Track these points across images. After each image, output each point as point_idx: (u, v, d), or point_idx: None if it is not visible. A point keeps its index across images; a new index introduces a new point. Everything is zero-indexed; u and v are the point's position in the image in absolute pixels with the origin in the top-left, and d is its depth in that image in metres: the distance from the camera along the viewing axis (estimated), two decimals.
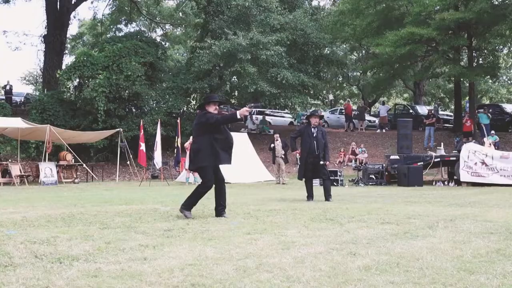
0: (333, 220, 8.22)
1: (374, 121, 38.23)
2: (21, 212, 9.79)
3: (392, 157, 21.72)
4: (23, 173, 22.95)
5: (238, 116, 8.87)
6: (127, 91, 29.06)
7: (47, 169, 22.38)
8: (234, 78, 32.40)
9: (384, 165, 21.66)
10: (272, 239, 6.27)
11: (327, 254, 5.38)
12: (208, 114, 8.81)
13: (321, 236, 6.51)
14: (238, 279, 4.35)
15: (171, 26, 50.97)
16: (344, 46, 41.95)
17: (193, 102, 34.89)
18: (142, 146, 24.25)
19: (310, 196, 12.66)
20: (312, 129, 12.73)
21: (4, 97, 39.78)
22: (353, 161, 27.04)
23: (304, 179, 12.98)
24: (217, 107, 9.13)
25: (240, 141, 25.79)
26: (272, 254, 5.33)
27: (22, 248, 5.73)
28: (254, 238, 6.32)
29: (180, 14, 47.02)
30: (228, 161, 8.97)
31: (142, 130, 25.09)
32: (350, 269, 4.67)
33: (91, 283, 4.23)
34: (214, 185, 8.85)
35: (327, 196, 12.49)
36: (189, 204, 8.77)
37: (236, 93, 37.36)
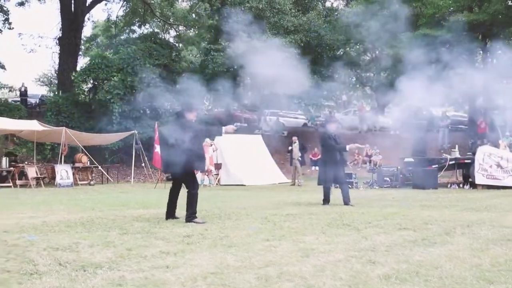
0: (350, 225, 8.27)
1: (388, 123, 38.05)
2: (41, 216, 9.92)
3: (406, 159, 21.67)
4: (39, 175, 23.11)
5: (224, 132, 9.63)
6: (141, 93, 29.16)
7: (63, 171, 22.52)
8: (248, 80, 32.44)
9: (398, 167, 21.60)
10: (291, 246, 6.33)
11: (347, 262, 5.43)
12: (189, 123, 9.14)
13: (339, 243, 6.56)
14: None
15: (185, 28, 51.05)
16: (358, 47, 41.89)
17: (207, 104, 34.99)
18: (157, 148, 24.29)
19: (326, 200, 12.65)
20: (332, 134, 12.73)
21: (19, 99, 40.05)
22: (368, 163, 26.99)
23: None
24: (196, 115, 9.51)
25: (255, 143, 25.89)
26: (292, 262, 5.39)
27: (46, 255, 5.82)
28: (273, 245, 6.38)
29: (194, 15, 47.09)
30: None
31: (157, 132, 25.17)
32: (370, 278, 4.72)
33: None
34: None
35: (346, 201, 12.43)
36: (194, 212, 9.00)
37: (250, 95, 37.38)
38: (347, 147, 12.66)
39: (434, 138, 30.60)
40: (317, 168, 29.09)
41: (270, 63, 12.87)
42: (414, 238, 6.99)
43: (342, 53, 35.29)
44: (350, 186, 19.75)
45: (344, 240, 6.82)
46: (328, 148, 12.62)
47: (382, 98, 48.89)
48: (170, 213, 9.32)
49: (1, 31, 36.45)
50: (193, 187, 9.08)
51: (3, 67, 37.97)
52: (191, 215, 8.88)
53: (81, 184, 23.37)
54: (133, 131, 26.33)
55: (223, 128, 9.49)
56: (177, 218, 9.18)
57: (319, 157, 29.86)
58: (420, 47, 25.95)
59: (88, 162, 24.64)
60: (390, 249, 6.15)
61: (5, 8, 36.44)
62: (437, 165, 20.51)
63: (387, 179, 21.01)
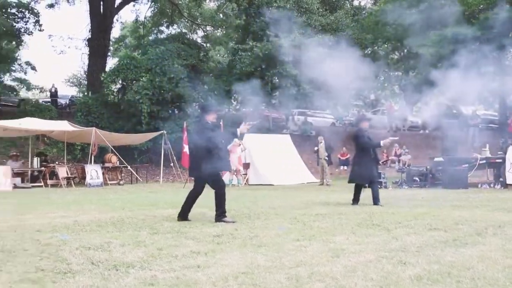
0: (380, 225, 8.23)
1: (417, 122, 37.76)
2: (72, 216, 10.06)
3: (436, 159, 21.46)
4: (69, 175, 23.42)
5: (238, 133, 9.62)
6: (170, 93, 29.35)
7: (93, 171, 22.78)
8: (276, 79, 32.45)
9: (428, 167, 21.39)
10: (321, 246, 6.32)
11: (377, 262, 5.41)
12: (207, 124, 9.23)
13: (370, 243, 6.53)
14: None
15: (212, 28, 51.24)
16: (386, 45, 41.64)
17: (235, 104, 35.05)
18: (186, 148, 24.42)
19: (356, 200, 12.59)
20: (366, 132, 12.68)
21: (50, 99, 40.60)
22: (396, 162, 26.80)
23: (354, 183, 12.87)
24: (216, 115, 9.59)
25: (283, 142, 25.87)
26: (323, 262, 5.39)
27: (78, 254, 5.91)
28: (303, 245, 6.39)
29: (221, 15, 47.25)
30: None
31: (186, 132, 25.28)
32: (401, 278, 4.69)
33: None
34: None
35: (376, 201, 12.36)
36: (223, 211, 9.03)
37: (277, 94, 37.37)
38: (381, 142, 12.60)
39: (464, 137, 30.25)
40: (345, 167, 29.04)
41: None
42: (445, 238, 6.93)
43: (370, 52, 35.07)
44: (379, 186, 19.66)
45: (374, 240, 6.79)
46: (362, 145, 12.54)
47: (411, 97, 48.65)
48: (184, 215, 9.26)
49: (32, 33, 37.04)
50: (219, 188, 9.12)
51: (34, 68, 38.60)
52: (220, 215, 8.94)
53: (110, 184, 23.60)
54: (162, 131, 26.49)
55: (237, 129, 9.55)
56: (189, 220, 9.15)
57: (347, 156, 29.88)
58: (450, 45, 25.75)
59: (118, 162, 24.88)
60: (421, 250, 6.11)
61: (35, 10, 37.00)
62: (467, 165, 20.25)
63: (416, 178, 20.82)
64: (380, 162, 12.36)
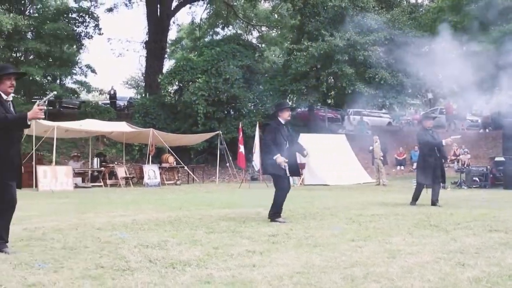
0: (438, 226, 8.09)
1: (477, 121, 36.87)
2: (131, 215, 10.26)
3: (497, 158, 20.93)
4: (128, 175, 23.87)
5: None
6: (225, 94, 29.55)
7: (151, 171, 23.16)
8: (331, 79, 32.27)
9: (488, 167, 20.88)
10: (377, 247, 6.26)
11: (435, 264, 5.32)
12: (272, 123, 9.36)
13: (427, 244, 6.43)
14: None
15: (267, 28, 51.37)
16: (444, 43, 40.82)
17: (290, 104, 35.00)
18: (241, 148, 24.56)
19: (415, 200, 12.39)
20: (430, 131, 12.49)
21: (109, 101, 41.52)
22: (455, 162, 26.24)
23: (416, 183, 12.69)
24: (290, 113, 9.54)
25: (338, 142, 25.69)
26: (379, 263, 5.33)
27: (137, 252, 6.03)
28: (358, 246, 6.34)
29: (276, 16, 47.31)
30: None
31: (241, 132, 25.40)
32: (459, 280, 4.60)
33: None
34: None
35: (434, 200, 12.15)
36: (276, 211, 9.06)
37: (332, 94, 37.18)
38: (443, 141, 12.38)
39: None
40: (402, 167, 28.65)
41: None
42: (505, 240, 6.76)
43: (427, 50, 34.41)
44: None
45: (431, 241, 6.68)
46: (424, 144, 12.37)
47: (470, 95, 47.56)
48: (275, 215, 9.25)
49: (92, 36, 38.03)
50: (277, 188, 9.14)
51: (94, 71, 39.54)
52: (273, 214, 8.98)
53: (167, 184, 23.93)
54: (218, 132, 26.70)
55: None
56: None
57: (404, 156, 29.47)
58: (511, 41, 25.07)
59: (175, 162, 25.21)
60: (480, 252, 5.97)
61: (95, 15, 37.95)
62: None
63: (476, 179, 20.37)
64: (448, 161, 12.11)
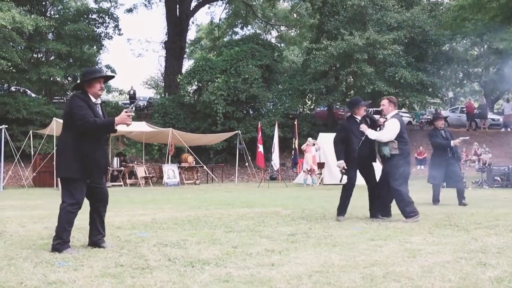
0: (459, 226, 8.02)
1: (498, 120, 36.50)
2: (150, 214, 10.31)
3: None
4: (147, 175, 24.00)
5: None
6: (244, 94, 29.55)
7: (170, 171, 23.24)
8: (351, 78, 32.12)
9: (510, 166, 20.65)
10: (397, 246, 6.22)
11: (456, 263, 5.26)
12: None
13: (448, 244, 6.37)
14: (366, 287, 4.37)
15: (286, 28, 51.35)
16: (465, 41, 40.48)
17: (309, 103, 34.95)
18: (260, 148, 24.59)
19: (436, 201, 12.32)
20: (442, 131, 12.44)
21: (128, 101, 41.73)
22: (476, 162, 25.98)
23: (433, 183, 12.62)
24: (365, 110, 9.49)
25: None
26: (399, 262, 5.29)
27: (156, 250, 6.05)
28: (378, 245, 6.30)
29: (295, 15, 47.27)
30: None
31: (260, 132, 25.41)
32: (481, 280, 4.54)
33: None
34: None
35: (460, 199, 12.09)
36: (339, 213, 9.36)
37: (352, 93, 37.04)
38: (451, 142, 12.29)
39: None
40: (422, 167, 28.43)
41: None
42: None
43: (448, 48, 34.13)
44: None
45: (452, 241, 6.61)
46: (433, 145, 12.42)
47: (492, 94, 47.16)
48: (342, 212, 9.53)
49: (112, 37, 38.25)
50: (343, 188, 9.89)
51: (114, 71, 39.76)
52: (338, 214, 9.38)
53: (187, 183, 23.99)
54: (237, 131, 26.73)
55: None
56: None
57: (424, 155, 29.23)
58: None
59: (194, 162, 25.27)
60: (502, 251, 5.90)
61: (115, 15, 38.18)
62: None
63: (498, 178, 20.14)
64: (462, 161, 12.04)
